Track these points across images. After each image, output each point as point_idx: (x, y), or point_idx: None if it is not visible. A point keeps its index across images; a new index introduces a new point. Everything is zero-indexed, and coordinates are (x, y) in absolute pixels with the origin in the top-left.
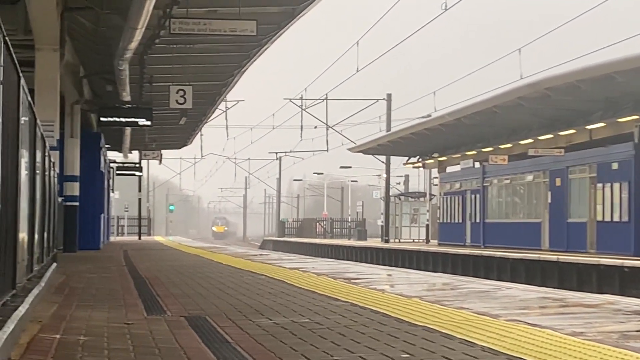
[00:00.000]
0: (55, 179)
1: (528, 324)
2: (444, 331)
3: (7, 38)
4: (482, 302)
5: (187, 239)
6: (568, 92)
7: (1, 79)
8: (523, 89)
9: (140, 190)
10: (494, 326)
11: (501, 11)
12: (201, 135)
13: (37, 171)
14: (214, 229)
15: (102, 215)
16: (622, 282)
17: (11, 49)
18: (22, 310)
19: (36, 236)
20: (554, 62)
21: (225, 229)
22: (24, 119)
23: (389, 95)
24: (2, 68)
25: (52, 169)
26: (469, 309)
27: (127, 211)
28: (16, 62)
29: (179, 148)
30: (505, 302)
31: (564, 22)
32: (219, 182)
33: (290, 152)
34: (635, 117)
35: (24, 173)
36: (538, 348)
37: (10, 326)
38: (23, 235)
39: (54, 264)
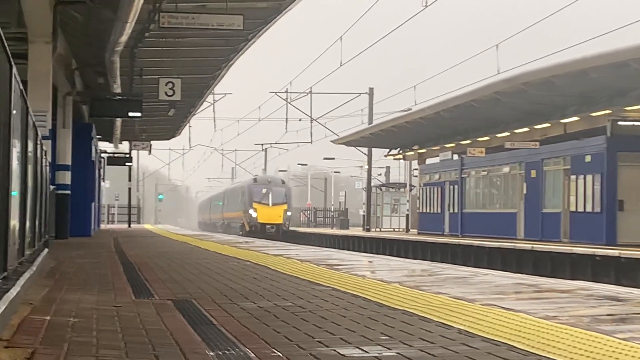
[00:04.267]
0: (47, 168)
1: (503, 308)
2: (422, 315)
3: (0, 30)
4: (459, 288)
5: (176, 227)
6: (543, 87)
7: None
8: (500, 84)
9: (130, 180)
10: (471, 310)
11: (479, 8)
12: (189, 126)
13: (29, 160)
14: (253, 213)
15: (93, 203)
16: (594, 269)
17: (4, 40)
18: (13, 292)
19: (27, 222)
20: (530, 57)
21: (288, 213)
22: (16, 109)
23: (371, 89)
24: None
25: (44, 158)
26: (447, 294)
27: (117, 200)
28: (9, 52)
29: (168, 139)
30: (482, 288)
31: (540, 18)
32: (206, 172)
33: (276, 143)
34: (608, 111)
35: (15, 161)
36: (512, 331)
37: (1, 307)
38: (14, 221)
39: (46, 250)
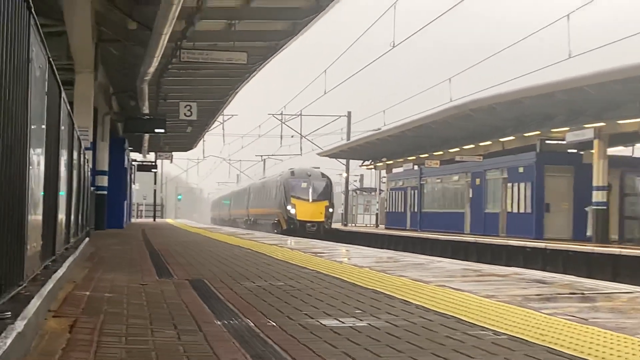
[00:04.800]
0: (89, 173)
1: (453, 288)
2: (387, 293)
3: (52, 62)
4: (417, 272)
5: (191, 221)
6: (487, 112)
7: (47, 91)
8: (452, 109)
9: (155, 183)
10: (426, 290)
11: (435, 48)
12: (203, 141)
13: (74, 166)
14: (291, 209)
15: (125, 201)
16: (525, 258)
17: (55, 70)
18: (60, 272)
19: (72, 216)
20: (476, 89)
21: (330, 209)
22: (64, 125)
23: (349, 113)
24: (47, 83)
25: (86, 164)
26: (407, 276)
27: (145, 199)
28: (59, 80)
29: (186, 150)
30: (436, 272)
31: (484, 58)
32: (216, 177)
33: (272, 155)
34: (538, 132)
35: (63, 167)
36: (460, 307)
37: (50, 284)
38: (62, 215)
39: (87, 238)
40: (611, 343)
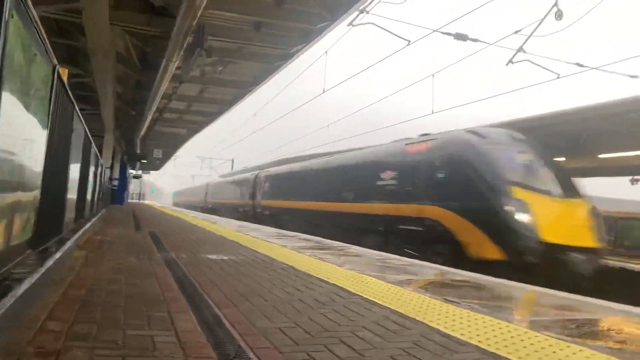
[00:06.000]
0: (107, 178)
1: (269, 242)
2: (240, 242)
3: (87, 130)
4: (256, 233)
5: (157, 202)
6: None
7: (83, 143)
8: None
9: (140, 184)
10: (259, 242)
11: (285, 127)
12: (164, 166)
13: (98, 175)
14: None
15: (125, 192)
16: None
17: (89, 133)
18: (87, 226)
19: (95, 198)
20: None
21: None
22: (93, 158)
23: (233, 159)
24: (83, 139)
25: (104, 174)
26: (250, 234)
27: (135, 191)
28: (90, 138)
29: (156, 170)
30: (265, 233)
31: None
32: (170, 183)
33: (197, 174)
34: None
35: (91, 175)
36: (271, 251)
37: (80, 232)
38: (89, 197)
39: (104, 209)
40: (332, 270)
